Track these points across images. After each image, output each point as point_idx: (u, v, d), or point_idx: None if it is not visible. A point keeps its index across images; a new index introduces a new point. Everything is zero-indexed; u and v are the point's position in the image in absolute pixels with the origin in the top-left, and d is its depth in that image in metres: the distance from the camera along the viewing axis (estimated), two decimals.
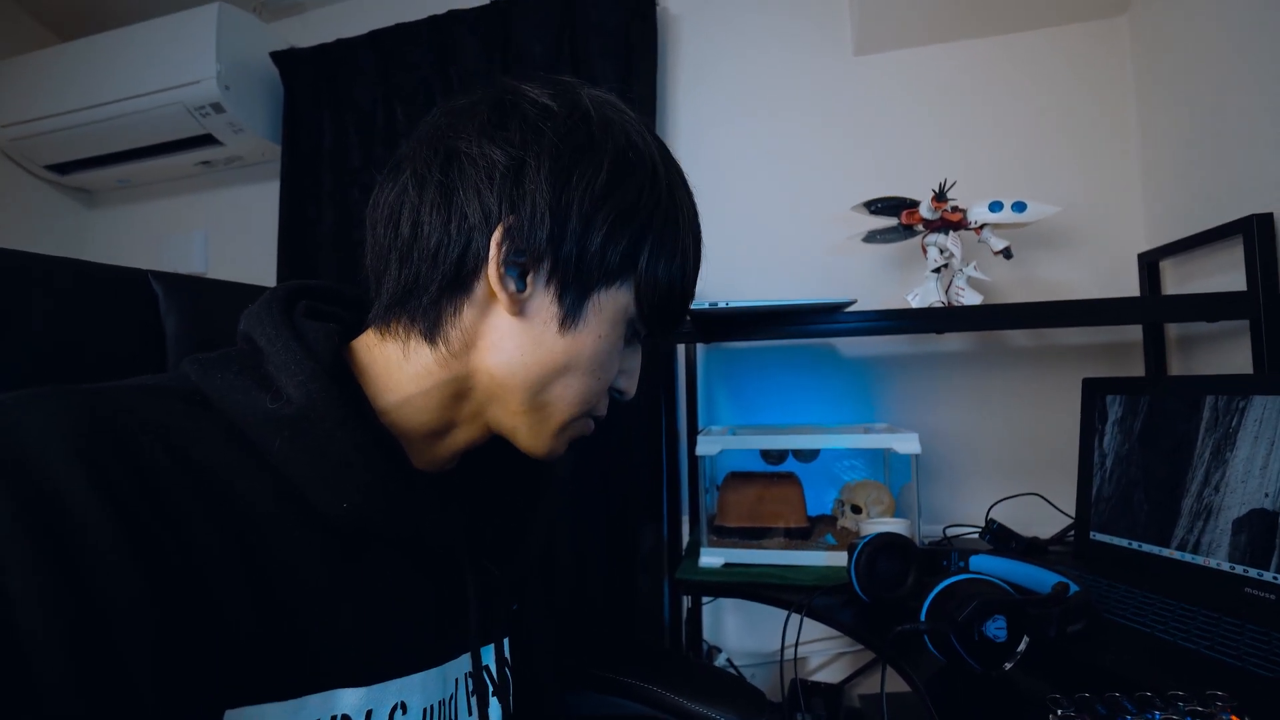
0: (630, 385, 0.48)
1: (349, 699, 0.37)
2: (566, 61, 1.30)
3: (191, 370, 0.38)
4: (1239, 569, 0.69)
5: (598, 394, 0.45)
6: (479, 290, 0.41)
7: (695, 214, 0.47)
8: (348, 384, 0.41)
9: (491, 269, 0.39)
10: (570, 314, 0.41)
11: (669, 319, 0.46)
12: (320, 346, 0.39)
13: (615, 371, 0.45)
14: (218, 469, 0.34)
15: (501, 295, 0.40)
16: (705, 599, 1.24)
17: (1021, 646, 0.56)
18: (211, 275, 1.69)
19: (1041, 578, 0.69)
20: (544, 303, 0.41)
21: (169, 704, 0.29)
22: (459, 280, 0.40)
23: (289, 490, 0.36)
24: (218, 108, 1.43)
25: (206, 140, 1.52)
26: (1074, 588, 0.63)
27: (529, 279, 0.40)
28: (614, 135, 0.42)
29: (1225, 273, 0.95)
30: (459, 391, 0.43)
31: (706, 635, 1.27)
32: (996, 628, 0.55)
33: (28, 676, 0.26)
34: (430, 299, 0.41)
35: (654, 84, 1.28)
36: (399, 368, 0.42)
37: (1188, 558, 0.74)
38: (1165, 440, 0.79)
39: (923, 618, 0.60)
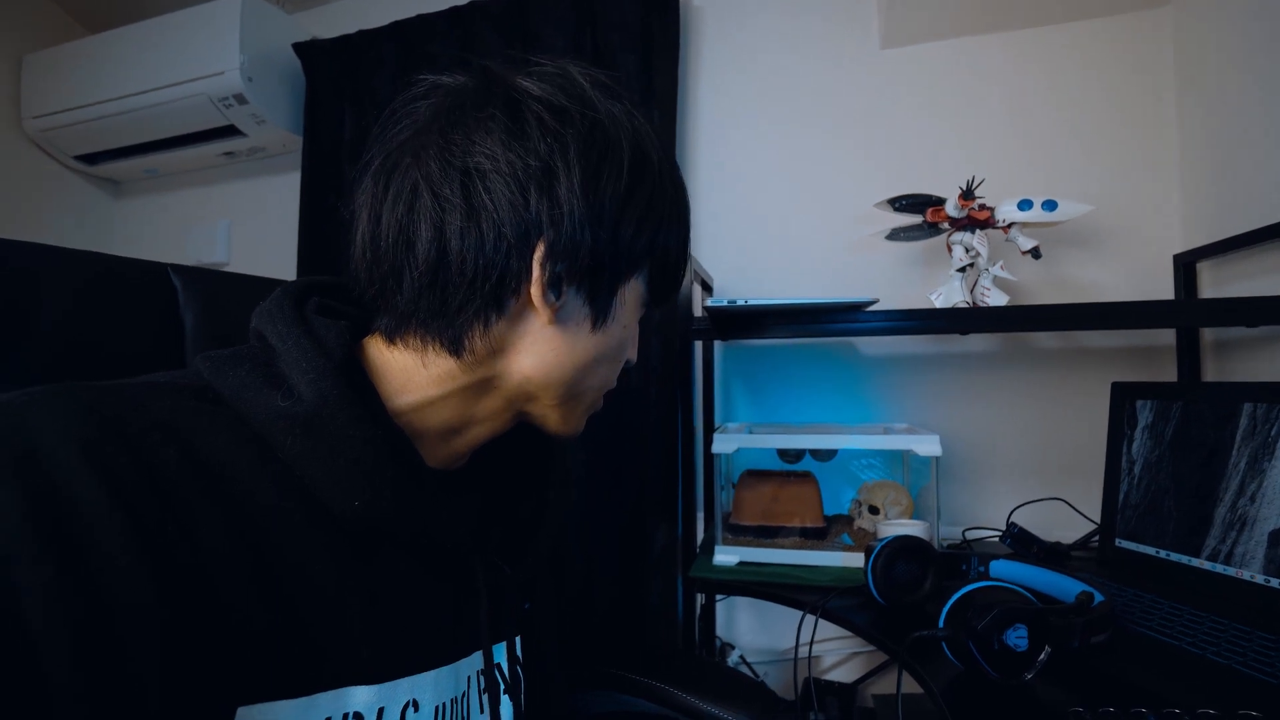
0: (635, 352, 0.50)
1: (361, 696, 0.37)
2: (588, 54, 1.29)
3: (203, 367, 0.38)
4: (1275, 582, 0.67)
5: (617, 373, 0.48)
6: (513, 305, 0.41)
7: (682, 183, 0.47)
8: (359, 382, 0.40)
9: (535, 289, 0.39)
10: (601, 313, 0.43)
11: (675, 288, 0.49)
12: (332, 344, 0.39)
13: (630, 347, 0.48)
14: (228, 467, 0.34)
15: (543, 309, 0.40)
16: (719, 597, 1.23)
17: (1043, 657, 0.55)
18: (234, 264, 1.71)
19: (1064, 585, 0.68)
20: (577, 305, 0.42)
21: (176, 701, 0.29)
22: (496, 299, 0.40)
23: (299, 488, 0.36)
24: (241, 99, 1.44)
25: (230, 131, 1.54)
26: (1098, 597, 0.62)
27: (563, 287, 0.41)
28: (623, 129, 0.42)
29: (1265, 276, 0.92)
30: (482, 390, 0.43)
31: (719, 632, 1.26)
32: (1017, 637, 0.54)
33: (37, 673, 0.26)
34: (463, 320, 0.40)
35: (675, 78, 1.26)
36: (416, 372, 0.42)
37: (1219, 569, 0.72)
38: (1198, 448, 0.77)
39: (941, 624, 0.59)
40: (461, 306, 0.39)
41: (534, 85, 0.41)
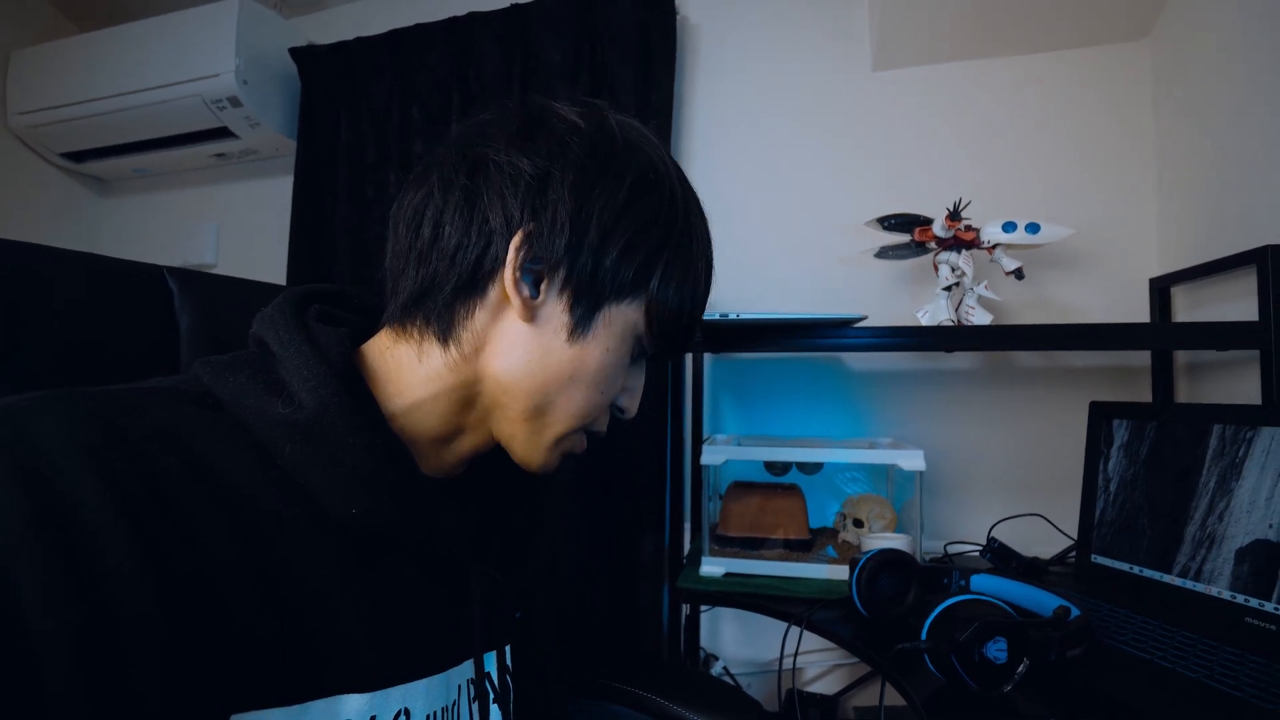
0: (632, 404, 0.49)
1: (353, 704, 0.37)
2: (585, 67, 1.30)
3: (203, 373, 0.38)
4: (1240, 598, 0.69)
5: (599, 408, 0.45)
6: (493, 293, 0.41)
7: (709, 242, 0.48)
8: (359, 390, 0.41)
9: (508, 272, 0.40)
10: (580, 324, 0.42)
11: (676, 340, 0.46)
12: (333, 351, 0.39)
13: (619, 388, 0.46)
14: (228, 473, 0.34)
15: (515, 300, 0.40)
16: (704, 607, 1.24)
17: (1021, 669, 0.56)
18: (221, 267, 1.70)
19: (1042, 600, 0.70)
20: (555, 311, 0.42)
21: (175, 708, 0.29)
22: (474, 281, 0.41)
23: (298, 495, 0.36)
24: (235, 101, 1.44)
25: (222, 133, 1.53)
26: (1075, 611, 0.63)
27: (543, 286, 0.41)
28: (636, 156, 0.43)
29: (1236, 301, 0.95)
30: (466, 398, 0.43)
31: (704, 643, 1.27)
32: (997, 649, 0.56)
33: (38, 679, 0.26)
34: (445, 299, 0.41)
35: (671, 91, 1.28)
36: (411, 370, 0.42)
37: (1189, 585, 0.75)
38: (1171, 467, 0.79)
39: (923, 636, 0.60)
40: (443, 283, 0.41)
41: (561, 106, 0.43)
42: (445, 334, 0.42)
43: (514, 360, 0.42)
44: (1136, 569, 0.81)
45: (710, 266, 0.48)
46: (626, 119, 0.45)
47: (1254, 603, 0.68)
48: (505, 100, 0.46)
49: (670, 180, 0.44)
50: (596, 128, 0.42)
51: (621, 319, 0.43)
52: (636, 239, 0.42)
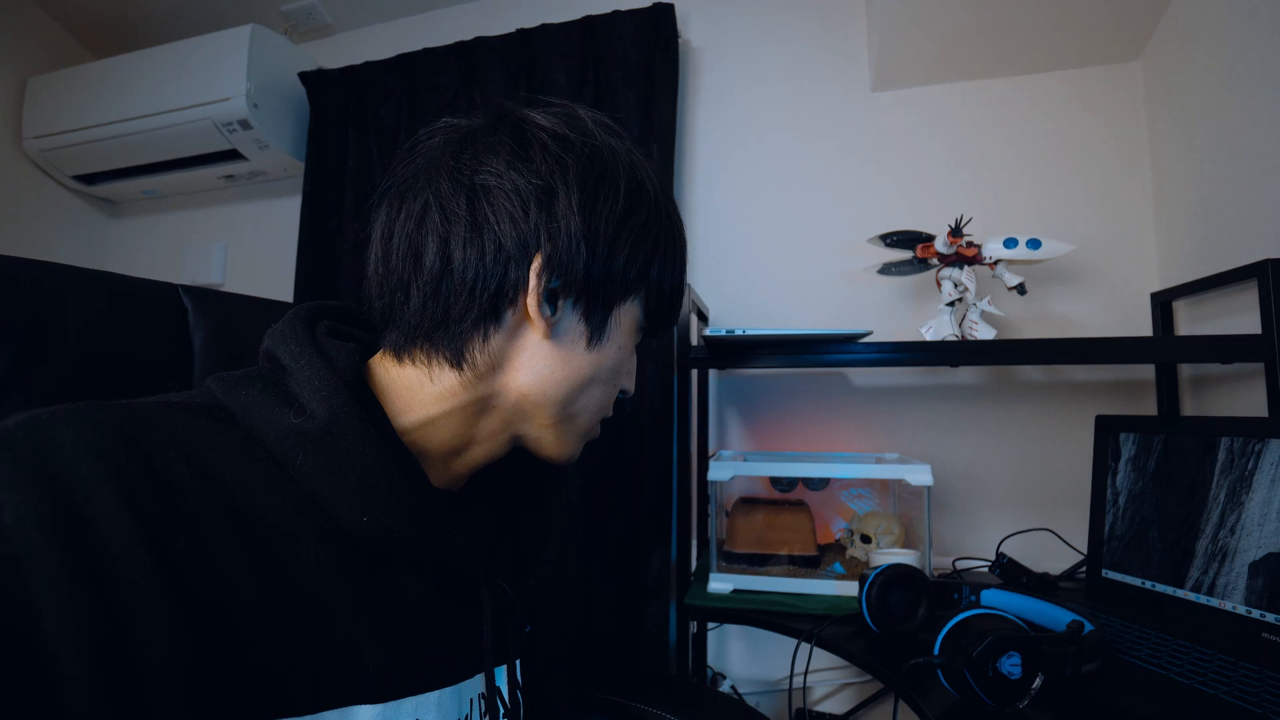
0: (632, 384, 0.51)
1: (365, 716, 0.37)
2: (590, 90, 1.33)
3: (215, 387, 0.39)
4: (1256, 613, 0.69)
5: (613, 397, 0.48)
6: (510, 317, 0.42)
7: (680, 218, 0.50)
8: (368, 401, 0.41)
9: (531, 299, 0.41)
10: (597, 331, 0.44)
11: (670, 317, 0.49)
12: (343, 364, 0.40)
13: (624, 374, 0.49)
14: (240, 484, 0.35)
15: (539, 322, 0.41)
16: (710, 625, 1.23)
17: (1036, 684, 0.55)
18: (229, 286, 1.72)
19: (1054, 615, 0.69)
20: (573, 322, 0.43)
21: (189, 717, 0.29)
22: (494, 309, 0.41)
23: (310, 505, 0.37)
24: (245, 124, 1.46)
25: (232, 155, 1.56)
26: (1088, 626, 0.63)
27: (559, 303, 0.42)
28: (621, 160, 0.44)
29: (1237, 315, 0.95)
30: (482, 409, 0.44)
31: (711, 662, 1.25)
32: (1011, 664, 0.55)
33: (54, 690, 0.26)
34: (463, 330, 0.41)
35: (674, 113, 1.31)
36: (421, 389, 0.43)
37: (1203, 599, 0.74)
38: (1180, 480, 0.79)
39: (936, 651, 0.59)
40: (461, 316, 0.41)
41: (540, 117, 0.44)
42: (458, 359, 0.42)
43: (537, 374, 0.43)
44: (1149, 584, 0.80)
45: (685, 240, 0.50)
46: (595, 114, 0.46)
47: (1270, 617, 0.67)
48: (474, 112, 0.46)
49: (648, 175, 0.46)
50: (582, 137, 0.43)
51: (629, 316, 0.46)
52: (638, 242, 0.44)
